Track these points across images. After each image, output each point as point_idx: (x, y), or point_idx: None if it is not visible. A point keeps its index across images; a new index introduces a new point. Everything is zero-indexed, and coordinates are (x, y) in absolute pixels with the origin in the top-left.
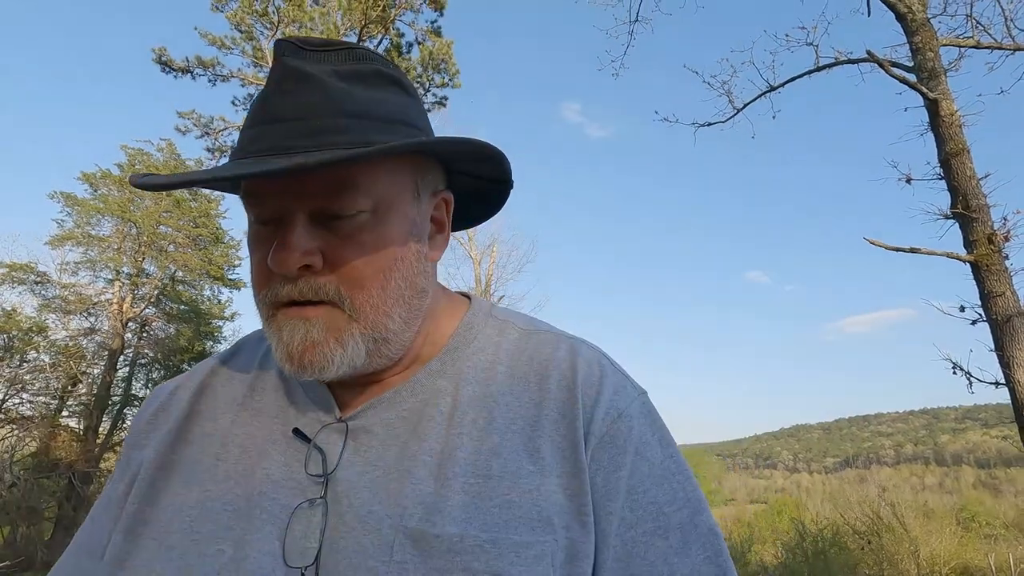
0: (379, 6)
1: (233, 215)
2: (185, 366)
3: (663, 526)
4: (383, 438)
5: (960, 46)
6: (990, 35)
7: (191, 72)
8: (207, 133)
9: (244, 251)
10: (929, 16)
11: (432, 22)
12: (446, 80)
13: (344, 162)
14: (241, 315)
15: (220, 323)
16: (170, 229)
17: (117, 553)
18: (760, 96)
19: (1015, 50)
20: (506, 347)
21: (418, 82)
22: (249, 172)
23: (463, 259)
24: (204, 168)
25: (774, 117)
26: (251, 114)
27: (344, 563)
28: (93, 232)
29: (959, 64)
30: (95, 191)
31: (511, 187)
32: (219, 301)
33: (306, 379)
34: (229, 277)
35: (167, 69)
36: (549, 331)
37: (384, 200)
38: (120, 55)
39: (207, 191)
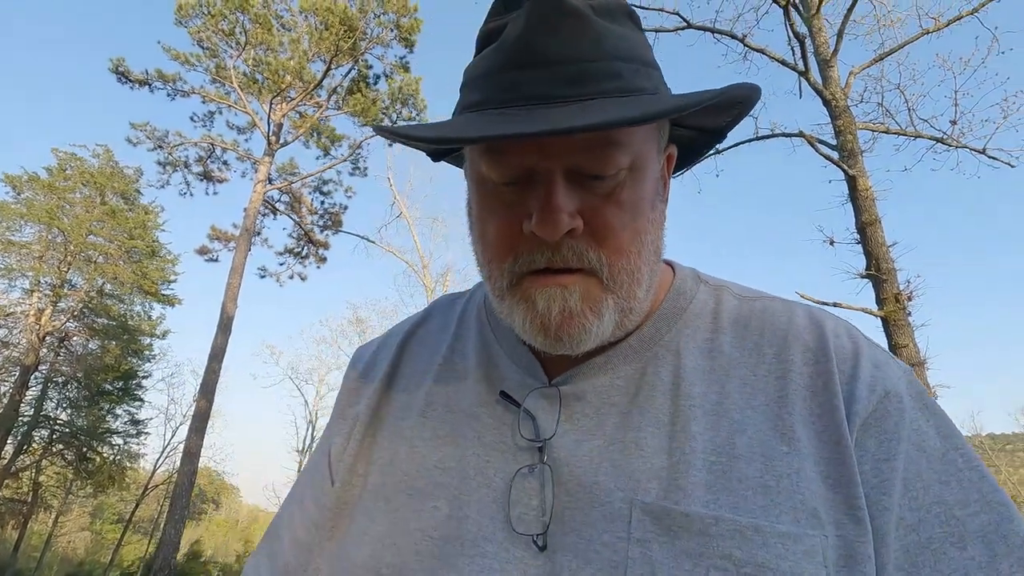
0: (350, 38)
1: (172, 228)
2: (108, 386)
3: (957, 533)
4: (597, 406)
5: (873, 130)
6: (896, 122)
7: (149, 85)
8: (160, 147)
9: (182, 266)
10: (849, 104)
11: (401, 58)
12: (413, 115)
13: (648, 122)
14: (174, 333)
15: (150, 340)
16: (102, 239)
17: (336, 503)
18: (707, 156)
19: (916, 136)
20: (726, 315)
21: (384, 114)
22: (553, 128)
23: (416, 286)
24: (446, 121)
25: (717, 176)
26: (501, 54)
27: (573, 535)
28: (13, 238)
29: (873, 147)
30: (19, 194)
31: (722, 141)
32: (150, 317)
33: (559, 352)
34: (163, 292)
35: (124, 80)
36: (774, 297)
37: (639, 157)
38: (71, 62)
39: (145, 201)
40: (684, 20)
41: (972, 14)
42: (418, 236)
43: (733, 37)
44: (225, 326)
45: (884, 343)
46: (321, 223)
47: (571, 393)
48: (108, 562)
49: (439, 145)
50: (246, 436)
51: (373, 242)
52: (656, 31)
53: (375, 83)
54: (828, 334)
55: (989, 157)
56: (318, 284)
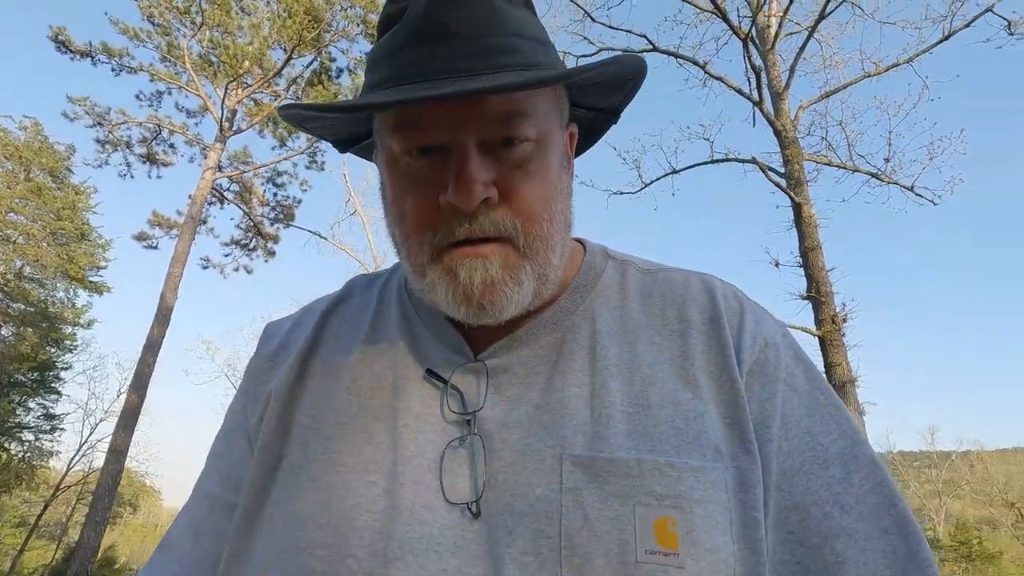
0: (314, 28)
1: (107, 211)
2: (21, 377)
3: (821, 456)
4: (522, 376)
5: (817, 162)
6: (837, 156)
7: (92, 57)
8: (100, 124)
9: (114, 252)
10: (797, 135)
11: (366, 54)
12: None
13: (546, 84)
14: (100, 322)
15: (73, 329)
16: (24, 218)
17: (257, 486)
18: (664, 176)
19: (854, 170)
20: (632, 286)
21: None
22: (449, 92)
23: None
24: (352, 99)
25: (673, 194)
26: (404, 31)
27: (508, 495)
28: None
29: (817, 178)
30: None
31: (616, 120)
32: (75, 305)
33: (482, 322)
34: (91, 279)
35: (63, 50)
36: (672, 268)
37: (544, 129)
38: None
39: (76, 180)
40: (651, 43)
41: (908, 63)
42: (372, 235)
43: (695, 64)
44: (163, 317)
45: (820, 362)
46: (272, 215)
47: (497, 366)
48: (7, 569)
49: (346, 112)
50: (174, 435)
51: (325, 239)
52: (623, 52)
53: (337, 77)
54: (719, 296)
55: (916, 194)
56: (264, 278)
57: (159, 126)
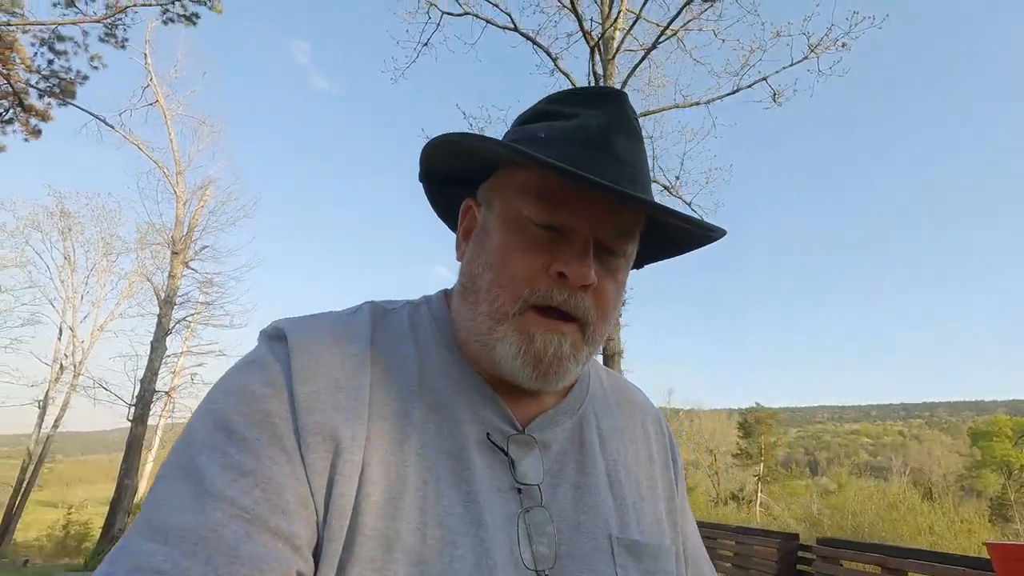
0: None
1: None
2: None
3: (696, 543)
4: (557, 453)
5: None
6: None
7: None
8: None
9: None
10: None
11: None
12: None
13: (674, 218)
14: None
15: None
16: None
17: (329, 551)
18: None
19: (653, 182)
20: (609, 390)
21: None
22: (627, 192)
23: (165, 193)
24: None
25: None
26: (583, 134)
27: (575, 567)
28: None
29: None
30: None
31: (638, 267)
32: None
33: (539, 387)
34: None
35: None
36: (621, 378)
37: (631, 252)
38: None
39: None
40: (513, 23)
41: (706, 104)
42: (175, 134)
43: (548, 55)
44: None
45: None
46: (44, 87)
47: (541, 441)
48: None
49: (530, 162)
50: None
51: (111, 126)
52: (487, 22)
53: None
54: (659, 413)
55: (692, 209)
56: (18, 160)
57: None
